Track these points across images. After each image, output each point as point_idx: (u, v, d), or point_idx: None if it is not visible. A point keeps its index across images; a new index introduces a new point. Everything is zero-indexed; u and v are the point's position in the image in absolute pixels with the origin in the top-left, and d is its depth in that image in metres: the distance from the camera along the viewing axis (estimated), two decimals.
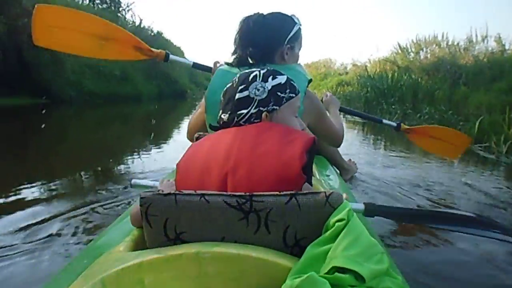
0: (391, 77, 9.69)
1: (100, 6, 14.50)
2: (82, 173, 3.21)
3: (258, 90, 0.90)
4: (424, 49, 15.41)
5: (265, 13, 1.40)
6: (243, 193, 0.70)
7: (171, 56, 2.07)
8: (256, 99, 0.90)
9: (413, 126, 2.71)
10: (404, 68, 14.21)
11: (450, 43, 14.60)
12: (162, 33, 15.17)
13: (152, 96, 12.18)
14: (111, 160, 3.77)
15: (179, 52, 18.52)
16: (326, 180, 1.78)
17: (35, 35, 1.84)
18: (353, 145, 4.94)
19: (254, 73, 0.93)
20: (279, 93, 0.92)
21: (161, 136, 5.60)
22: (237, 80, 0.94)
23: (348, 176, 2.89)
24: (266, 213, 0.68)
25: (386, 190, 2.83)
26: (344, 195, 0.99)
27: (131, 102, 10.36)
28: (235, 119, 0.90)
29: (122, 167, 3.57)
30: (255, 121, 0.90)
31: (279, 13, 1.43)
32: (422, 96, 8.63)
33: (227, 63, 1.42)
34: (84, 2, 14.60)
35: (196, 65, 2.14)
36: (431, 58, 14.52)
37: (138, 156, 4.08)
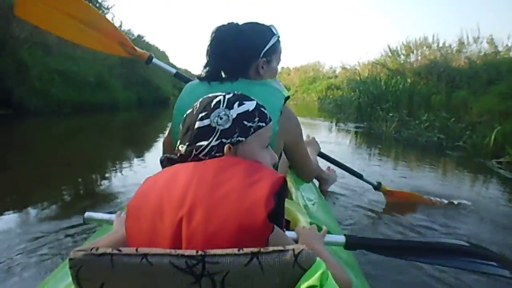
0: (384, 81, 9.08)
1: None
2: (30, 200, 2.65)
3: (221, 118, 0.78)
4: (415, 51, 15.25)
5: (240, 22, 1.28)
6: (194, 253, 0.57)
7: (154, 60, 2.00)
8: (218, 129, 0.78)
9: (392, 189, 2.64)
10: (395, 71, 13.91)
11: (441, 45, 14.47)
12: (143, 37, 14.46)
13: (130, 104, 11.44)
14: (70, 182, 3.15)
15: (163, 57, 17.88)
16: (303, 199, 1.65)
17: (16, 4, 1.77)
18: (345, 153, 4.32)
19: (217, 98, 0.81)
20: (245, 122, 0.79)
21: (137, 149, 4.93)
22: (198, 105, 0.82)
23: (328, 186, 2.82)
24: (222, 277, 0.57)
25: (376, 210, 2.57)
26: (324, 228, 1.09)
27: (107, 111, 9.61)
28: (194, 151, 0.78)
29: (85, 189, 3.03)
30: (217, 154, 0.78)
31: (256, 23, 1.30)
32: (418, 101, 8.08)
33: (198, 77, 1.29)
34: None
35: (178, 75, 2.03)
36: (422, 60, 14.34)
37: (107, 175, 3.49)
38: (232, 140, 0.77)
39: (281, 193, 0.69)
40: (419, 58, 14.71)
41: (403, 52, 15.37)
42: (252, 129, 0.79)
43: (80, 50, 10.10)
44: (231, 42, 1.22)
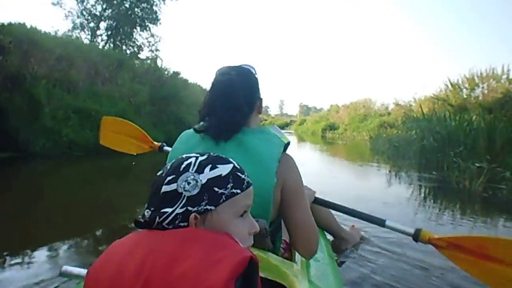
0: (455, 118, 7.34)
1: (112, 47, 13.66)
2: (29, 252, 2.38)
3: (189, 183, 0.72)
4: (480, 84, 13.62)
5: (231, 66, 1.29)
6: None
7: (165, 147, 2.42)
8: (184, 195, 0.71)
9: (441, 235, 1.50)
10: (458, 107, 12.22)
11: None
12: (179, 73, 13.91)
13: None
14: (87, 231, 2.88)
15: (195, 86, 17.12)
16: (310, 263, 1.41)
17: (101, 137, 2.57)
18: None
19: (188, 161, 0.75)
20: (216, 189, 0.73)
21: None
22: (168, 167, 0.76)
23: (347, 246, 2.39)
24: None
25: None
26: None
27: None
28: (157, 219, 0.71)
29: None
30: (181, 224, 0.71)
31: (241, 67, 1.29)
32: (502, 145, 6.26)
33: (194, 128, 1.25)
34: (95, 40, 13.77)
35: None
36: (490, 94, 12.69)
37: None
38: (199, 208, 0.71)
39: (248, 275, 0.62)
40: (486, 91, 13.02)
41: (466, 85, 13.70)
42: (223, 197, 0.73)
43: (107, 87, 9.40)
44: (238, 94, 1.20)
